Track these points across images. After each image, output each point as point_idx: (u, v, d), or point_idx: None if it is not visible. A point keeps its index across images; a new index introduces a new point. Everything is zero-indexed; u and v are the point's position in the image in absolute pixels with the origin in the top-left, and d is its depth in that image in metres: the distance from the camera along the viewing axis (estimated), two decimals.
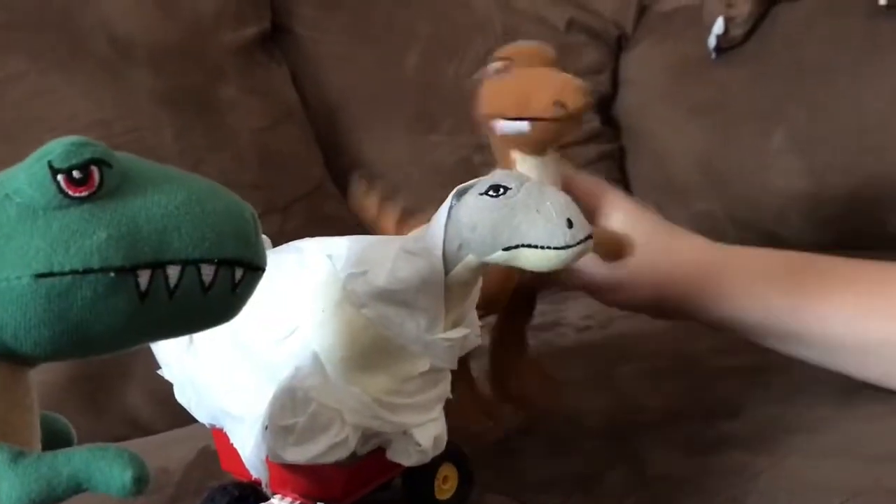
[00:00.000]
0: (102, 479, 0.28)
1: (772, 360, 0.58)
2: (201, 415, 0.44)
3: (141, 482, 0.29)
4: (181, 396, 0.45)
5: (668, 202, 1.10)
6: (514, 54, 0.51)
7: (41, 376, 0.76)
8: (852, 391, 0.54)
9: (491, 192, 0.37)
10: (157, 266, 0.29)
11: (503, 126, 0.50)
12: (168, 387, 0.46)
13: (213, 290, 0.30)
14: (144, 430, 0.76)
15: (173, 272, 0.29)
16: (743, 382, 0.60)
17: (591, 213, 0.54)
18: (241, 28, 0.99)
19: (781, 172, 0.97)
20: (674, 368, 0.65)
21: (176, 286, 0.29)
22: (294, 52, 1.07)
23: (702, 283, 0.54)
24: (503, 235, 0.37)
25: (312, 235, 0.45)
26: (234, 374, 0.40)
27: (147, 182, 0.30)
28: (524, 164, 0.51)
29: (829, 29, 0.98)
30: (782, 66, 1.00)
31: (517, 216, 0.36)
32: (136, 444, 0.71)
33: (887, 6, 0.91)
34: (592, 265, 0.53)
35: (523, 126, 0.49)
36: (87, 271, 0.28)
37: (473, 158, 1.04)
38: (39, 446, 0.33)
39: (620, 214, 0.55)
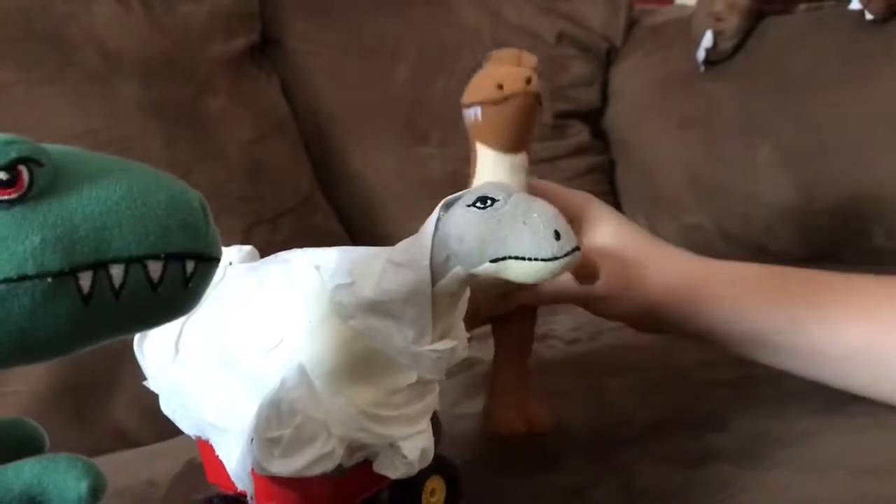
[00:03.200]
0: (57, 491, 0.27)
1: (758, 373, 0.58)
2: (187, 426, 0.44)
3: (97, 492, 0.28)
4: (167, 408, 0.44)
5: (656, 214, 1.11)
6: (495, 55, 0.53)
7: (26, 388, 0.75)
8: (838, 404, 0.54)
9: (478, 204, 0.37)
10: (99, 266, 0.27)
11: (465, 113, 0.52)
12: (154, 399, 0.46)
13: (163, 287, 0.28)
14: (130, 443, 0.76)
15: (117, 271, 0.28)
16: (729, 396, 0.60)
17: (575, 224, 0.55)
18: (230, 40, 0.99)
19: (769, 185, 0.98)
20: (661, 382, 0.65)
21: (121, 286, 0.28)
22: (284, 65, 1.07)
23: (687, 294, 0.54)
24: (490, 247, 0.37)
25: (300, 247, 0.45)
26: (220, 386, 0.40)
27: (83, 177, 0.28)
28: (484, 158, 0.53)
29: (816, 43, 0.99)
30: (770, 79, 1.01)
31: (504, 228, 0.36)
32: (123, 457, 0.71)
33: (874, 20, 0.92)
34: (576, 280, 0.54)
35: (477, 111, 0.51)
36: (22, 278, 0.26)
37: (463, 170, 1.04)
38: None
39: (605, 227, 0.56)
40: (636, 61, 1.16)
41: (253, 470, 0.39)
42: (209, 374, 0.41)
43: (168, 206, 0.29)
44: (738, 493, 0.48)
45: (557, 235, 0.35)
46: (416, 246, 0.38)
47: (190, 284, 0.29)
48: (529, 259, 0.36)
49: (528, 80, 0.50)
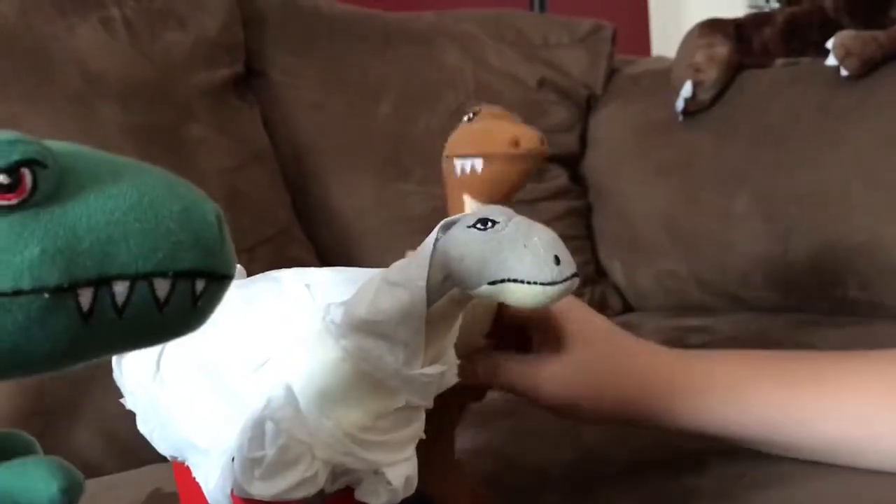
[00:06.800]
0: (27, 496, 0.26)
1: None
2: (164, 447, 0.42)
3: (68, 492, 0.27)
4: (144, 427, 0.43)
5: (632, 260, 1.11)
6: (485, 110, 0.52)
7: None
8: None
9: (479, 226, 0.37)
10: (102, 283, 0.25)
11: (458, 163, 0.51)
12: (119, 427, 0.44)
13: (169, 306, 0.26)
14: (93, 472, 0.74)
15: (120, 288, 0.26)
16: (707, 438, 0.60)
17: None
18: (213, 70, 0.99)
19: (745, 234, 0.99)
20: None
21: (125, 304, 0.26)
22: (267, 96, 1.07)
23: (656, 397, 0.53)
24: (489, 269, 0.36)
25: None
26: (202, 405, 0.39)
27: (90, 183, 0.26)
28: (472, 209, 0.51)
29: (792, 96, 1.01)
30: (747, 130, 1.02)
31: (504, 250, 0.36)
32: (85, 486, 0.69)
33: (849, 76, 0.94)
34: (551, 388, 0.52)
35: (477, 162, 0.50)
36: (17, 293, 0.24)
37: (443, 209, 1.04)
38: None
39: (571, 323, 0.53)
40: (615, 109, 1.18)
41: (232, 493, 0.38)
42: (191, 393, 0.39)
43: (181, 220, 0.27)
44: None
45: (557, 260, 0.35)
46: (413, 266, 0.37)
47: (199, 303, 0.27)
48: (528, 283, 0.35)
49: (543, 141, 0.50)
